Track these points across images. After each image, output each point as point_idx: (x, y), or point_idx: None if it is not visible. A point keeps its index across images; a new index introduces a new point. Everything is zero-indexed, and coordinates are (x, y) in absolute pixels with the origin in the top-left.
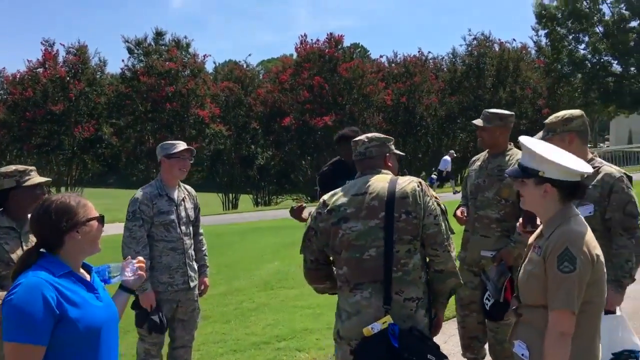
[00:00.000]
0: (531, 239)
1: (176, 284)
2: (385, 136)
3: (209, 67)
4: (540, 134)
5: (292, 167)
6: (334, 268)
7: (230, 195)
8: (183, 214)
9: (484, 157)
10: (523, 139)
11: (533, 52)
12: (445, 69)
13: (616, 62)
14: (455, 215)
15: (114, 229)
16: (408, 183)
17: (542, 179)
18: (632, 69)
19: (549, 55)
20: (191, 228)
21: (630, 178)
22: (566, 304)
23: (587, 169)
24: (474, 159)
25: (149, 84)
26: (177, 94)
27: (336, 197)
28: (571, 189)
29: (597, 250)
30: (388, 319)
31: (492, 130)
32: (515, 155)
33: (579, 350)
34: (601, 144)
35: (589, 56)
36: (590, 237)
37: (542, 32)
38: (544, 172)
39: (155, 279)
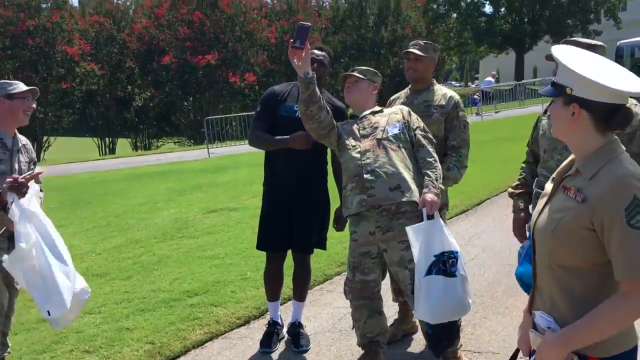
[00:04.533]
0: (556, 174)
1: (1, 247)
2: None
3: None
4: None
5: (173, 109)
6: None
7: (107, 139)
8: (16, 166)
9: (405, 94)
10: (555, 48)
11: None
12: (327, 7)
13: (488, 2)
14: None
15: None
16: None
17: (570, 98)
18: (503, 9)
19: None
20: None
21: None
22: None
23: (636, 87)
24: (393, 98)
25: (5, 17)
26: (39, 28)
27: None
28: (607, 115)
29: None
30: None
31: (427, 60)
32: (440, 89)
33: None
34: (471, 83)
35: None
36: None
37: None
38: (572, 88)
39: None
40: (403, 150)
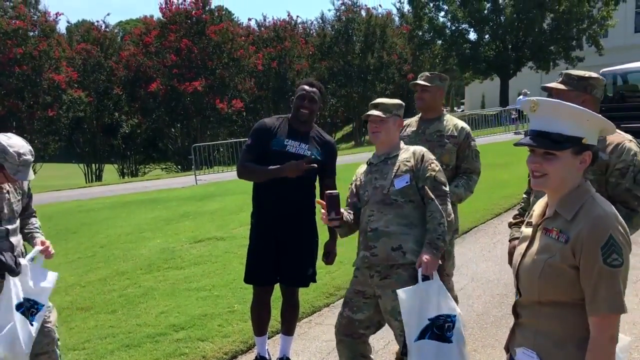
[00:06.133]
0: (534, 218)
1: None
2: None
3: (62, 27)
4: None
5: (160, 135)
6: None
7: (94, 166)
8: (6, 210)
9: (417, 123)
10: (558, 102)
11: (397, 19)
12: (314, 34)
13: (472, 30)
14: None
15: None
16: None
17: (583, 147)
18: (487, 36)
19: (411, 22)
20: (18, 222)
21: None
22: (617, 308)
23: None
24: (404, 123)
25: None
26: (27, 56)
27: None
28: (595, 155)
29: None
30: None
31: (434, 90)
32: (451, 120)
33: None
34: (457, 108)
35: (448, 24)
36: (620, 216)
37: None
38: (587, 138)
39: None
40: (409, 204)
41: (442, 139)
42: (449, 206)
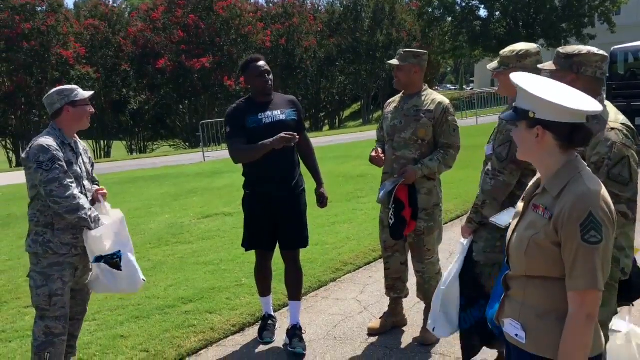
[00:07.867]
0: (526, 192)
1: (80, 245)
2: None
3: (70, 2)
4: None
5: (168, 112)
6: None
7: (102, 142)
8: (84, 168)
9: (399, 99)
10: (513, 75)
11: None
12: (323, 11)
13: (483, 6)
14: (370, 157)
15: None
16: None
17: (533, 121)
18: (497, 13)
19: None
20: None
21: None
22: (593, 284)
23: (593, 107)
24: (389, 101)
25: (1, 20)
26: (35, 31)
27: None
28: (569, 134)
29: (613, 207)
30: None
31: (408, 68)
32: (430, 95)
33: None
34: (466, 86)
35: (459, 0)
36: (607, 194)
37: None
38: (535, 112)
39: (57, 239)
40: None
41: (418, 113)
42: (496, 183)
